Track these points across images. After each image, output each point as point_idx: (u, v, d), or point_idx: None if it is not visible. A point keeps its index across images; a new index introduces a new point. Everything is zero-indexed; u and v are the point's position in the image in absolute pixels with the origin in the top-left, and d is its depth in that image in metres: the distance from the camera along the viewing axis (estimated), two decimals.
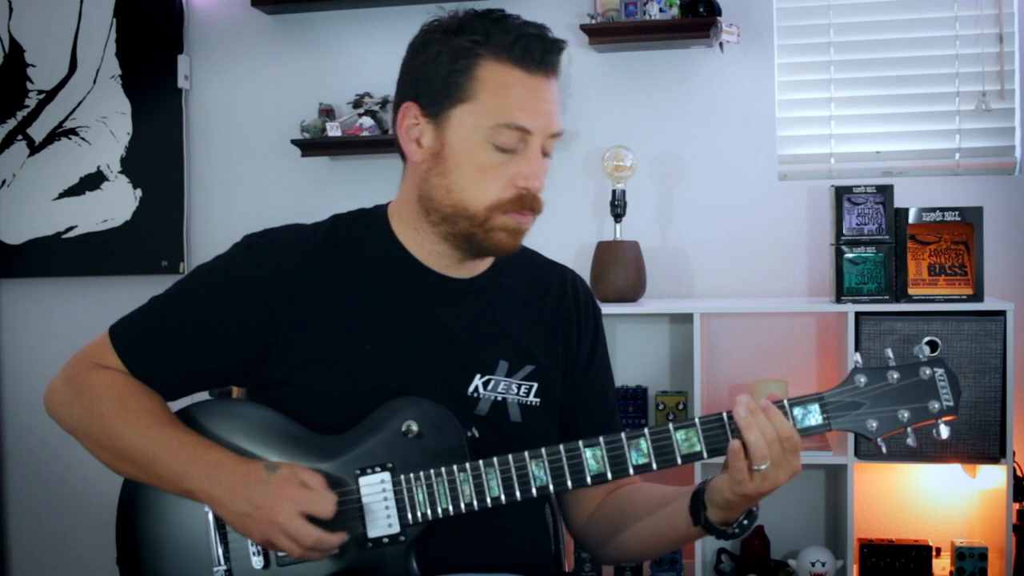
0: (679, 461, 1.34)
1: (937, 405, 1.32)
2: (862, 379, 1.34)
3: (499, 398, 1.49)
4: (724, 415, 1.34)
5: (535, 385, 1.52)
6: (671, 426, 1.35)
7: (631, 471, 1.35)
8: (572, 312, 1.60)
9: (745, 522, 1.38)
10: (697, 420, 1.34)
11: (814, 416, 1.33)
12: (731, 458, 1.31)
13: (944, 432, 1.32)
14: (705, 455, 1.35)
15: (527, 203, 1.43)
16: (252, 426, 1.45)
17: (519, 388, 1.51)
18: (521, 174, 1.41)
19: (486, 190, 1.41)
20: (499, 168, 1.41)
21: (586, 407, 1.61)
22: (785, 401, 1.34)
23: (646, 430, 1.36)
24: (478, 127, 1.40)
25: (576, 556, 2.93)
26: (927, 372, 1.33)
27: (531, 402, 1.51)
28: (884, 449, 1.34)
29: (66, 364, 1.51)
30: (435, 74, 1.42)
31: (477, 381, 1.48)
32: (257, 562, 1.41)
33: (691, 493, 1.41)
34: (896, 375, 1.33)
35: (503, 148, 1.40)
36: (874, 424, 1.33)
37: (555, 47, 1.42)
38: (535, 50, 1.40)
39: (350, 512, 1.39)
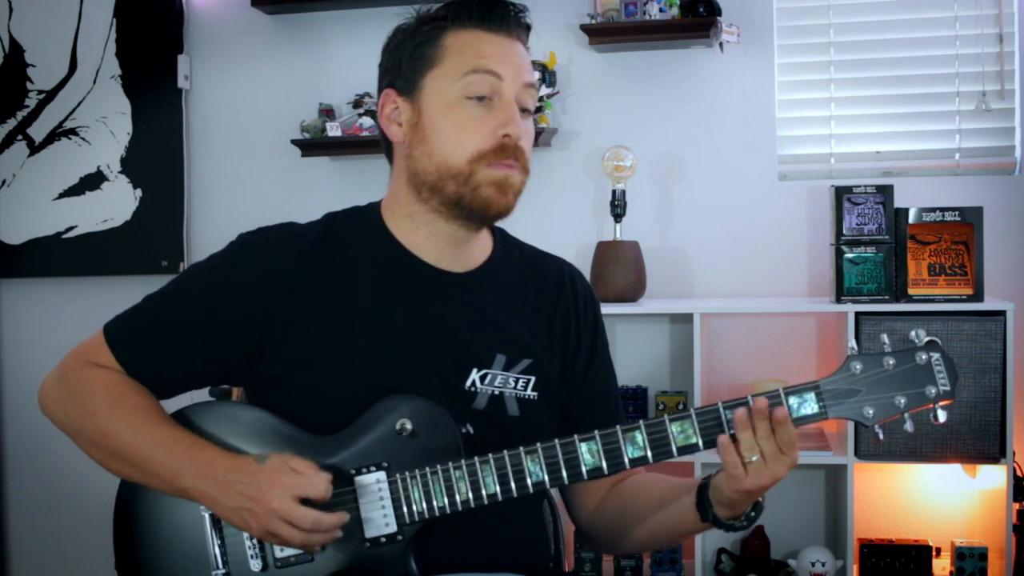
0: (675, 454, 1.34)
1: (934, 390, 1.31)
2: (858, 366, 1.33)
3: (496, 392, 1.48)
4: (720, 406, 1.33)
5: (532, 379, 1.51)
6: (667, 418, 1.35)
7: (627, 464, 1.35)
8: (570, 306, 1.60)
9: (752, 514, 1.38)
10: (693, 412, 1.34)
11: (810, 405, 1.32)
12: (722, 452, 1.31)
13: (941, 416, 1.31)
14: (701, 447, 1.34)
15: (509, 152, 1.44)
16: (247, 428, 1.45)
17: (516, 382, 1.50)
18: (499, 123, 1.43)
19: (465, 143, 1.43)
20: (476, 122, 1.43)
21: (590, 404, 1.60)
22: (780, 390, 1.33)
23: (641, 423, 1.35)
24: (450, 86, 1.44)
25: (576, 556, 2.93)
26: (923, 357, 1.32)
27: (529, 396, 1.51)
28: (881, 435, 1.33)
29: (60, 362, 1.51)
30: (403, 55, 1.48)
31: (474, 375, 1.48)
32: (255, 564, 1.40)
33: (696, 489, 1.41)
34: (892, 361, 1.32)
35: (477, 97, 1.43)
36: (871, 411, 1.32)
37: (516, 10, 1.47)
38: (496, 12, 1.45)
39: (346, 512, 1.38)
